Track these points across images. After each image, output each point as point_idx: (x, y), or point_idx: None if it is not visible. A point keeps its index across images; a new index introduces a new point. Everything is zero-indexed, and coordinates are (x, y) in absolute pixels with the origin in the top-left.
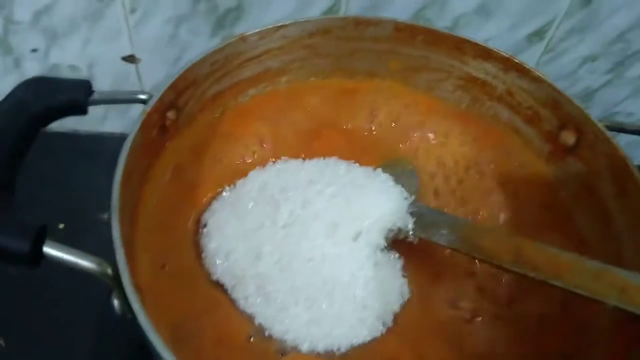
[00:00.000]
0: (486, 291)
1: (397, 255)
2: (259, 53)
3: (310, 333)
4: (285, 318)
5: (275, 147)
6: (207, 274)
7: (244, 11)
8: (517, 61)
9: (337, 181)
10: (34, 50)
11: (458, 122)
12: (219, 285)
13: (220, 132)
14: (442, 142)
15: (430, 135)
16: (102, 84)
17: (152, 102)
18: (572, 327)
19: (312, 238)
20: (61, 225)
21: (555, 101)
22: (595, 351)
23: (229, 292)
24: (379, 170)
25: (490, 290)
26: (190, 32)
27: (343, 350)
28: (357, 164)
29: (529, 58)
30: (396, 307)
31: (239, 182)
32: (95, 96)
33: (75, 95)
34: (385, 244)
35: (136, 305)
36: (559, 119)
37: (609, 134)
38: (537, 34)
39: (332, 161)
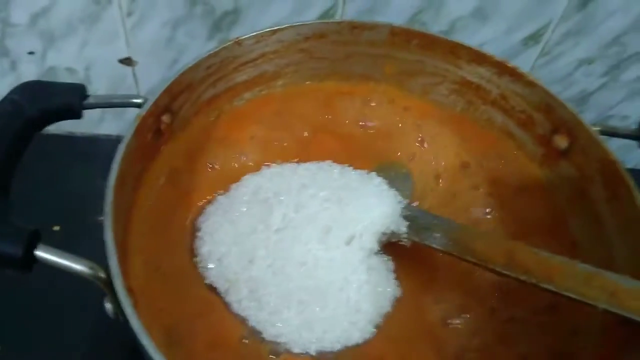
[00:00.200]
0: (476, 295)
1: (389, 258)
2: (255, 57)
3: (302, 336)
4: (278, 321)
5: (270, 151)
6: (201, 278)
7: (240, 14)
8: (510, 65)
9: (331, 185)
10: (31, 53)
11: (452, 126)
12: (213, 289)
13: (215, 136)
14: (436, 145)
15: (425, 139)
16: (98, 87)
17: (146, 106)
18: (562, 330)
19: (305, 242)
20: (57, 228)
21: (548, 105)
22: (586, 354)
23: (222, 295)
24: (373, 173)
25: (480, 295)
26: (187, 35)
27: (335, 351)
28: (352, 168)
29: (525, 61)
30: (387, 310)
31: (233, 186)
32: (90, 100)
33: (70, 99)
34: (379, 247)
35: (128, 309)
36: (552, 123)
37: (601, 138)
38: (533, 38)
39: (326, 165)
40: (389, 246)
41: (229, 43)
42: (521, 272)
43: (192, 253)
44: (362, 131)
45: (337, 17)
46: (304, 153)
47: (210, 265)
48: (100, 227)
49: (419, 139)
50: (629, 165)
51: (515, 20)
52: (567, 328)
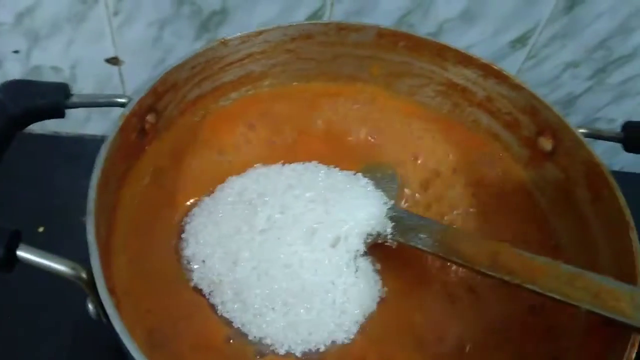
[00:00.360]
0: (459, 296)
1: (375, 259)
2: (241, 57)
3: (288, 337)
4: (263, 323)
5: (256, 152)
6: (187, 279)
7: (228, 15)
8: (496, 68)
9: (316, 185)
10: (16, 52)
11: (439, 128)
12: (198, 290)
13: (201, 136)
14: (422, 147)
15: (412, 140)
16: (84, 86)
17: (130, 106)
18: (547, 331)
19: (289, 244)
20: (41, 229)
21: (534, 107)
22: (570, 355)
23: (207, 297)
24: (359, 174)
25: (463, 296)
26: (174, 35)
27: (320, 351)
28: (338, 169)
29: (512, 64)
30: (372, 310)
31: (218, 187)
32: (74, 99)
33: (54, 98)
34: (364, 249)
35: (110, 310)
36: (537, 125)
37: (585, 140)
38: (520, 40)
39: (312, 166)
40: (375, 247)
41: (215, 43)
42: (505, 273)
43: (178, 254)
44: (348, 132)
45: (326, 19)
46: (290, 154)
47: (195, 267)
48: (84, 228)
49: (406, 140)
50: (615, 168)
51: (502, 23)
52: (551, 329)
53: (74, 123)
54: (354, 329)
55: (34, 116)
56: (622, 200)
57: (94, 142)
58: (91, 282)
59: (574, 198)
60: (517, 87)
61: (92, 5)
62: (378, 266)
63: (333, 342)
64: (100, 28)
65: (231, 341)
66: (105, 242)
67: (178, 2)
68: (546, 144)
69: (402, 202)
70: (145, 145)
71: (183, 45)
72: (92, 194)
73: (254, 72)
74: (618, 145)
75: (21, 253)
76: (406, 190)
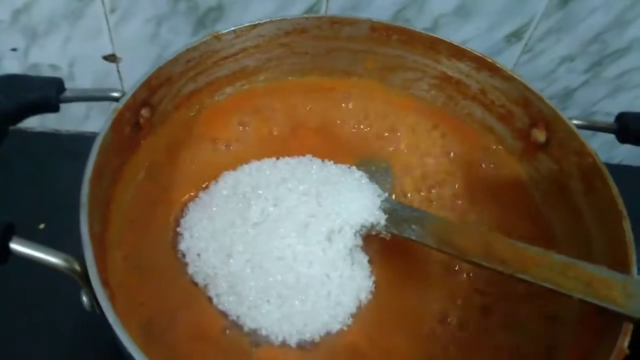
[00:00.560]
0: (453, 286)
1: (369, 250)
2: (235, 51)
3: (283, 329)
4: (258, 315)
5: (251, 146)
6: (183, 271)
7: (224, 11)
8: (489, 60)
9: (310, 179)
10: (14, 50)
11: (433, 121)
12: (195, 282)
13: (196, 131)
14: (417, 140)
15: (406, 134)
16: (83, 83)
17: (123, 100)
18: (541, 320)
19: (283, 237)
20: (42, 226)
21: (527, 99)
22: (564, 344)
23: (203, 290)
24: (354, 167)
25: (457, 286)
26: (171, 31)
27: (315, 341)
28: (332, 162)
29: (508, 58)
30: (365, 301)
31: (213, 182)
32: (67, 94)
33: (47, 92)
34: (358, 240)
35: (104, 302)
36: (530, 117)
37: (578, 131)
38: (516, 35)
39: (306, 159)
40: (368, 238)
41: (208, 37)
42: (498, 264)
43: (173, 248)
44: (343, 126)
45: (322, 13)
46: (285, 148)
47: (189, 261)
48: None
49: (400, 133)
50: (614, 162)
51: (497, 18)
52: (544, 318)
53: (74, 120)
54: (348, 319)
55: (27, 110)
56: (615, 190)
57: (93, 140)
58: (85, 275)
59: (567, 189)
60: (510, 79)
61: (89, 2)
62: (371, 257)
63: (327, 332)
64: (97, 25)
65: (227, 332)
66: (100, 236)
67: None
68: (539, 135)
69: (396, 195)
70: (140, 140)
71: (180, 42)
72: (85, 188)
73: (249, 66)
74: (615, 140)
75: (14, 246)
76: (400, 183)
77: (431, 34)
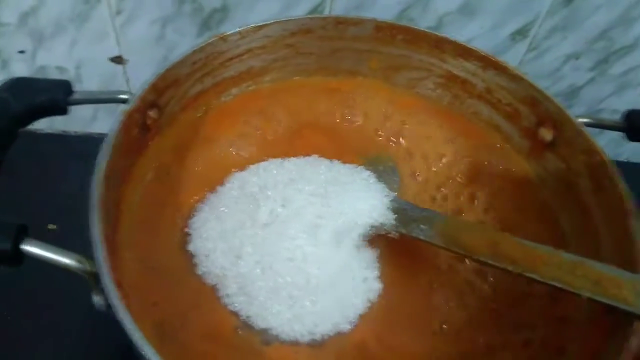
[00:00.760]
0: (460, 284)
1: (377, 250)
2: (241, 52)
3: (294, 329)
4: (268, 315)
5: (258, 147)
6: (193, 271)
7: (229, 12)
8: (495, 59)
9: (318, 179)
10: (21, 52)
11: (439, 120)
12: (205, 283)
13: (203, 132)
14: (424, 139)
15: (412, 133)
16: (89, 85)
17: (132, 102)
18: (550, 320)
19: (292, 238)
20: (52, 226)
21: (533, 98)
22: (573, 343)
23: (213, 290)
24: (361, 167)
25: (464, 284)
26: (177, 33)
27: (324, 340)
28: (339, 162)
29: (513, 56)
30: (375, 300)
31: (220, 182)
32: (75, 96)
33: (55, 95)
34: (367, 240)
35: (115, 301)
36: (537, 116)
37: (585, 129)
38: (521, 33)
39: (313, 159)
40: (377, 238)
41: (214, 39)
42: (507, 263)
43: (183, 248)
44: (349, 126)
45: (326, 13)
46: (292, 148)
47: (198, 261)
48: None
49: (406, 132)
50: (621, 159)
51: (502, 16)
52: (555, 318)
53: (82, 122)
54: (357, 320)
55: (36, 113)
56: (624, 188)
57: (102, 141)
58: (97, 275)
59: (575, 188)
60: (516, 78)
61: (95, 4)
62: (380, 257)
63: (338, 331)
64: (103, 27)
65: (239, 331)
66: (111, 237)
67: (179, 0)
68: (547, 134)
69: (404, 195)
70: (148, 141)
71: (186, 43)
72: (95, 189)
73: (255, 67)
74: (621, 137)
75: (27, 247)
76: (407, 183)
77: (436, 33)
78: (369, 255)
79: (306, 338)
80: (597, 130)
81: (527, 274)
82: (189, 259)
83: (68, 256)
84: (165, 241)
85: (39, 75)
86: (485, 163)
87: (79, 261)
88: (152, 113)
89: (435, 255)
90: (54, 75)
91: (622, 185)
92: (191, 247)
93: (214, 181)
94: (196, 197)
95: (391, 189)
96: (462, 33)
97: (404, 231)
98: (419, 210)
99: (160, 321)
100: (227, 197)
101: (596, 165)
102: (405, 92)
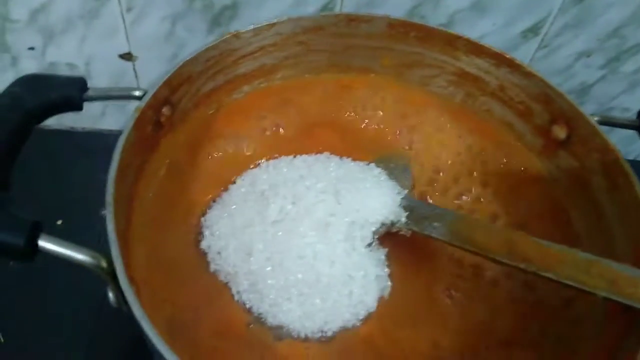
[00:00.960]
0: (469, 282)
1: (388, 247)
2: (253, 50)
3: (305, 326)
4: (279, 312)
5: (269, 144)
6: (205, 267)
7: (239, 9)
8: (508, 56)
9: (328, 176)
10: (31, 49)
11: (452, 118)
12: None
13: (215, 129)
14: (436, 137)
15: (424, 131)
16: (99, 82)
17: (146, 99)
18: (564, 318)
19: (302, 235)
20: (59, 222)
21: (547, 96)
22: (588, 342)
23: (225, 286)
24: (372, 164)
25: (474, 282)
26: (187, 30)
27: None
28: (350, 159)
29: (524, 54)
30: (384, 298)
31: (232, 180)
32: (90, 93)
33: (70, 91)
34: (378, 238)
35: (131, 297)
36: (550, 114)
37: (599, 127)
38: (532, 30)
39: (323, 157)
40: (388, 236)
41: (228, 36)
42: (521, 261)
43: (195, 245)
44: (361, 123)
45: (337, 10)
46: (303, 146)
47: (210, 259)
48: (102, 221)
49: (418, 130)
50: (631, 157)
51: (513, 13)
52: (569, 316)
53: (90, 118)
54: (367, 315)
55: (51, 110)
56: (639, 187)
57: (110, 137)
58: (111, 271)
59: (589, 186)
60: (529, 76)
61: (105, 1)
62: (390, 255)
63: (347, 328)
64: (113, 24)
65: (251, 326)
66: (124, 234)
67: None
68: (560, 132)
69: (416, 192)
70: (160, 138)
71: (195, 40)
72: (111, 186)
73: (267, 64)
74: (633, 135)
75: (42, 243)
76: (419, 180)
77: (449, 31)
78: (380, 253)
79: (317, 335)
80: (606, 128)
81: (542, 273)
82: (201, 256)
83: (82, 252)
84: (177, 238)
85: (49, 72)
86: (498, 161)
87: (93, 257)
88: (165, 110)
89: (442, 254)
90: (64, 71)
91: (637, 184)
92: (204, 244)
93: (226, 179)
94: (208, 195)
95: (403, 186)
96: (474, 30)
97: (416, 229)
98: (431, 207)
99: (170, 317)
100: (238, 195)
101: (610, 163)
102: (417, 90)
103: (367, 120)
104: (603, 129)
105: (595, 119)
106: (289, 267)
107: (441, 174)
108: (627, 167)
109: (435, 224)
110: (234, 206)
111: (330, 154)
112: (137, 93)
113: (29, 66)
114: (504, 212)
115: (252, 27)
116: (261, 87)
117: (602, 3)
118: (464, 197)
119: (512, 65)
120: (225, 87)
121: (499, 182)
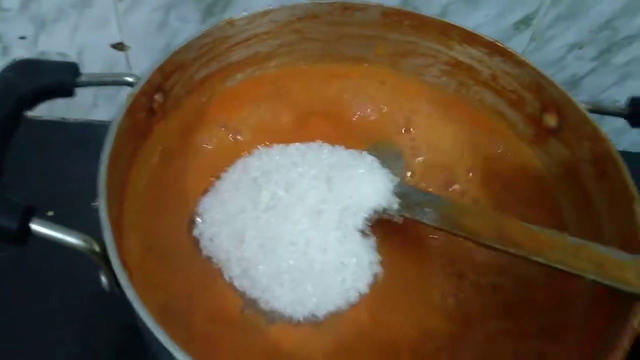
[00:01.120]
0: (459, 267)
1: (380, 235)
2: (247, 37)
3: (296, 311)
4: (271, 298)
5: (262, 132)
6: (198, 254)
7: None
8: (501, 45)
9: (321, 164)
10: (22, 38)
11: (445, 107)
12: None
13: (208, 116)
14: (429, 126)
15: (418, 120)
16: (91, 71)
17: (139, 85)
18: (552, 303)
19: (295, 222)
20: (51, 213)
21: (538, 84)
22: (575, 325)
23: (218, 272)
24: (365, 152)
25: (464, 269)
26: (180, 19)
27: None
28: (343, 147)
29: (516, 46)
30: (375, 283)
31: (224, 167)
32: (82, 78)
33: (62, 76)
34: (370, 224)
35: (123, 279)
36: (542, 102)
37: (590, 115)
38: (524, 22)
39: (316, 144)
40: (380, 222)
41: (222, 23)
42: (511, 246)
43: (188, 230)
44: (354, 112)
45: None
46: (296, 134)
47: (203, 245)
48: (94, 213)
49: (411, 119)
50: (620, 148)
51: (506, 5)
52: (556, 301)
53: (81, 109)
54: (358, 300)
55: (43, 95)
56: (627, 174)
57: (101, 128)
58: (104, 255)
59: (578, 174)
60: (521, 64)
61: None
62: (382, 241)
63: (338, 311)
64: (105, 13)
65: (245, 311)
66: (116, 220)
67: None
68: (551, 120)
69: (408, 180)
70: (153, 125)
71: (188, 30)
72: (103, 172)
73: (260, 52)
74: (624, 127)
75: (35, 227)
76: (412, 168)
77: (443, 19)
78: (372, 240)
79: (309, 319)
80: (597, 119)
81: (532, 257)
82: (194, 243)
83: (75, 236)
84: (170, 225)
85: None
86: (490, 150)
87: (85, 241)
88: (158, 97)
89: (432, 240)
90: None
91: (626, 171)
92: (196, 231)
93: (219, 166)
94: (200, 182)
95: (395, 174)
96: (466, 21)
97: (407, 215)
98: (422, 194)
99: (164, 303)
100: (230, 182)
101: (600, 151)
102: (411, 80)
103: (360, 109)
104: (593, 118)
105: (586, 107)
106: (281, 254)
107: (433, 162)
108: (616, 154)
109: (427, 209)
110: (227, 193)
111: (323, 142)
112: (129, 79)
113: (20, 55)
114: (493, 198)
115: (246, 14)
116: (255, 75)
117: None
118: (456, 186)
119: (505, 54)
120: (219, 75)
121: (490, 170)
